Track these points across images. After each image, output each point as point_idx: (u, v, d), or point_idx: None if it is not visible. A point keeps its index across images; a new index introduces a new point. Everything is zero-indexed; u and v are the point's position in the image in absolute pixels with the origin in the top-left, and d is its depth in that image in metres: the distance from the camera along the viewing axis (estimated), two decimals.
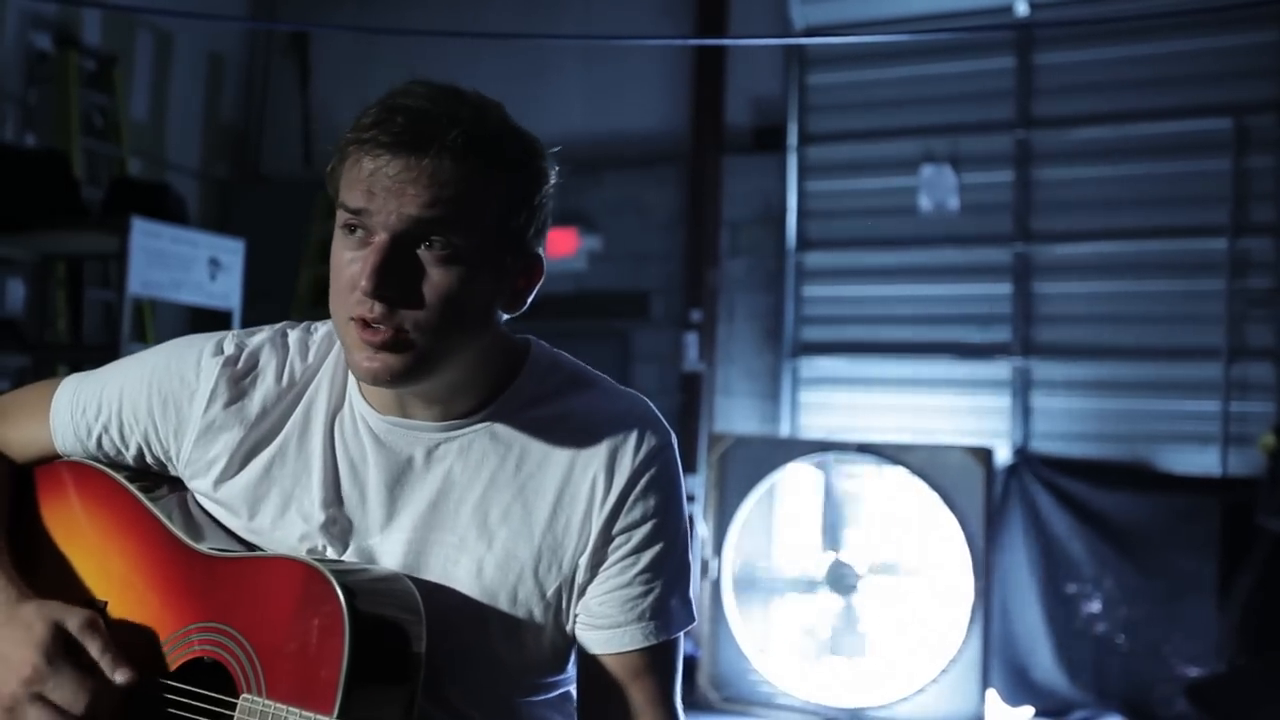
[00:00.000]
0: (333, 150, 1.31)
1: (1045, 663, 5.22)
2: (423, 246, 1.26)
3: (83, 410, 1.47)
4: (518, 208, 1.31)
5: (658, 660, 1.37)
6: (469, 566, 1.35)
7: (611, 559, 1.36)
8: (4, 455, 1.51)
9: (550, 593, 1.36)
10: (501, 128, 1.30)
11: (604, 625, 1.36)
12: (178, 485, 1.48)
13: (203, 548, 1.40)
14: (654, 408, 1.43)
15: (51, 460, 1.51)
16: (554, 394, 1.40)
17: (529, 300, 1.38)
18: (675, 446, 1.41)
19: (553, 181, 1.34)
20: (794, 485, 5.37)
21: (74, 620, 1.34)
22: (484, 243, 1.28)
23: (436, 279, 1.26)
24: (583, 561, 1.36)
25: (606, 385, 1.44)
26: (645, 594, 1.36)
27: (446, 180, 1.24)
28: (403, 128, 1.24)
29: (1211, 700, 4.74)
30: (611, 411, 1.39)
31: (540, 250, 1.37)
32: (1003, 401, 5.71)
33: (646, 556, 1.36)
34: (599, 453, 1.36)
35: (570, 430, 1.37)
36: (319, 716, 1.22)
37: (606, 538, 1.36)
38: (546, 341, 1.47)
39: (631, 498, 1.36)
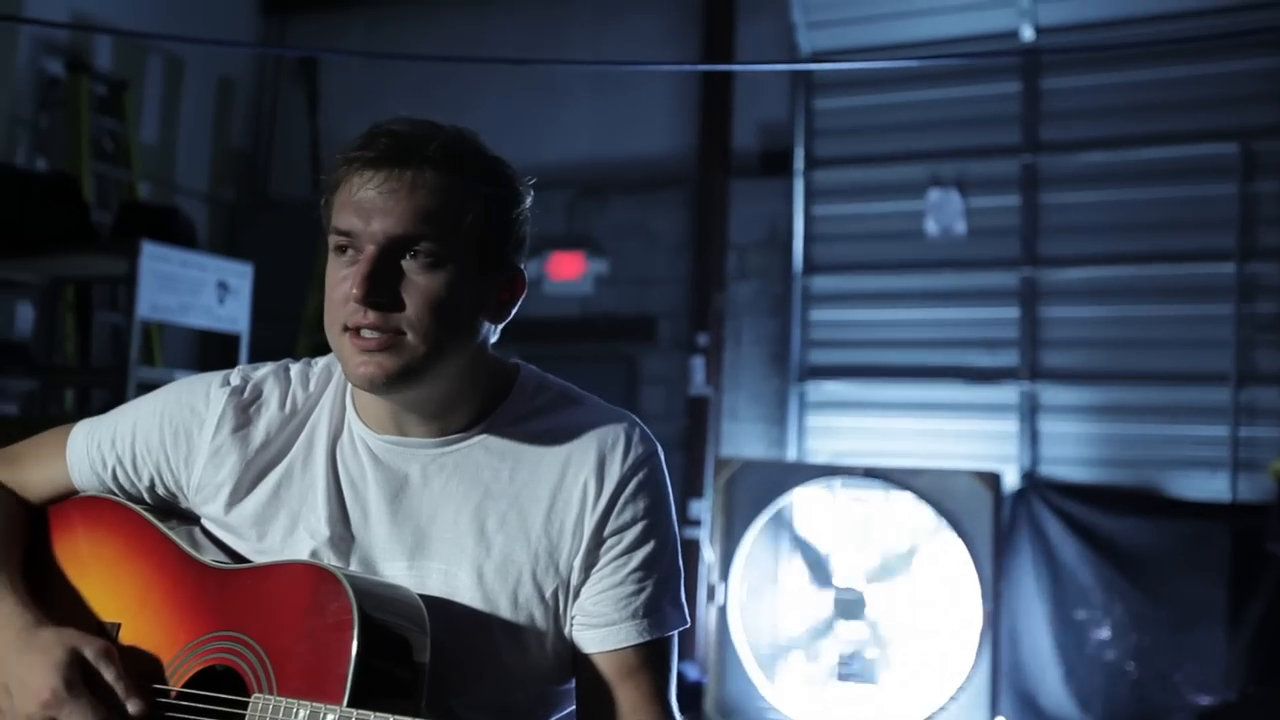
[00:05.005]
0: (324, 184, 1.39)
1: (1054, 689, 5.18)
2: (408, 255, 1.33)
3: (98, 445, 1.53)
4: (495, 219, 1.38)
5: (652, 658, 1.41)
6: (469, 573, 1.40)
7: (604, 559, 1.41)
8: (17, 496, 1.57)
9: (549, 594, 1.40)
10: (478, 146, 1.39)
11: (598, 624, 1.40)
12: (188, 518, 1.53)
13: (214, 562, 1.45)
14: (641, 423, 1.48)
15: (67, 498, 1.56)
16: (544, 410, 1.46)
17: (513, 312, 1.46)
18: (662, 458, 1.47)
19: (528, 203, 1.43)
20: (801, 510, 5.36)
21: (91, 649, 1.39)
22: (465, 250, 1.35)
23: (422, 284, 1.33)
24: (577, 563, 1.40)
25: (594, 402, 1.50)
26: (638, 592, 1.40)
27: (429, 189, 1.33)
28: (387, 145, 1.33)
29: None
30: (600, 423, 1.45)
31: (521, 264, 1.45)
32: (1010, 426, 5.70)
33: (638, 556, 1.41)
34: (589, 460, 1.42)
35: (561, 441, 1.43)
36: (328, 706, 1.25)
37: (599, 539, 1.40)
38: (554, 364, 1.54)
39: (621, 500, 1.41)
